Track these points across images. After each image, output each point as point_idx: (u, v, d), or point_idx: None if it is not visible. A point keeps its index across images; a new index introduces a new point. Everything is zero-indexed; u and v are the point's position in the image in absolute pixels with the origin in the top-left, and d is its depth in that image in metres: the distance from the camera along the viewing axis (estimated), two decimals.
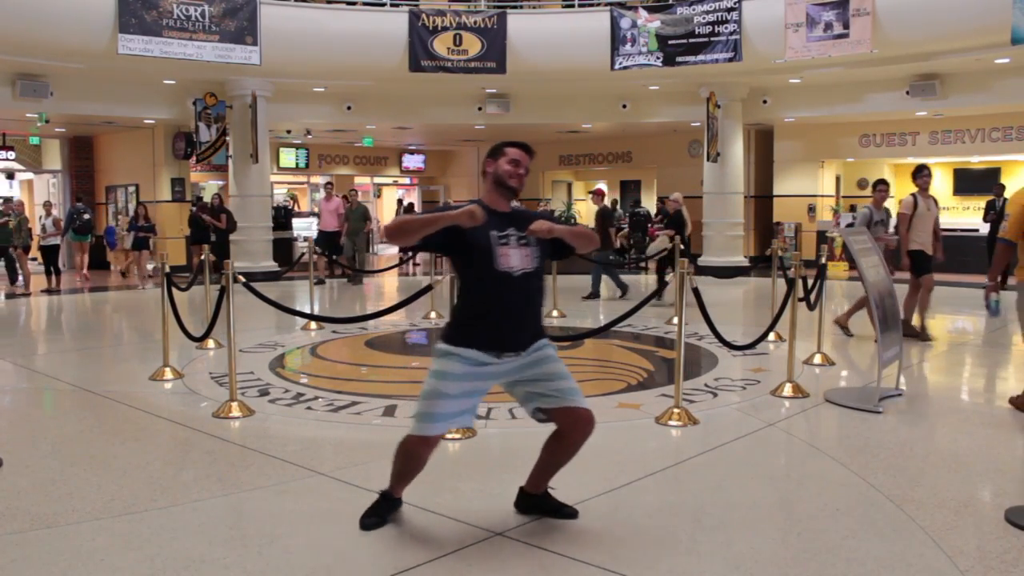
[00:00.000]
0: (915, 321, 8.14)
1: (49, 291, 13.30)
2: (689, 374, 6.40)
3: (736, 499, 3.94)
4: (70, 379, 6.76)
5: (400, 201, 24.60)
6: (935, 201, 8.22)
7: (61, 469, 4.40)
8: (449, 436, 4.86)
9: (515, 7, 14.47)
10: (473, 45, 13.47)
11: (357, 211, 14.36)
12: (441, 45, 13.41)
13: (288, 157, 22.01)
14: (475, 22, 13.49)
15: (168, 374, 6.59)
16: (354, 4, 14.44)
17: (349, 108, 15.62)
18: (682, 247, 10.24)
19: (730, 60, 12.97)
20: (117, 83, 14.10)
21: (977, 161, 16.09)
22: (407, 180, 26.05)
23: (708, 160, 15.22)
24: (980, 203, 15.17)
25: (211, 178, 20.35)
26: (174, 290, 6.74)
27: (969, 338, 8.27)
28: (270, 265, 14.96)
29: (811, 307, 7.11)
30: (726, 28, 12.90)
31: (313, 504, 3.88)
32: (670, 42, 13.33)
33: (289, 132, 19.04)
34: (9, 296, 12.83)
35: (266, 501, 3.94)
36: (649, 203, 20.47)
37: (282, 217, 18.10)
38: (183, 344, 7.31)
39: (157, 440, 5.05)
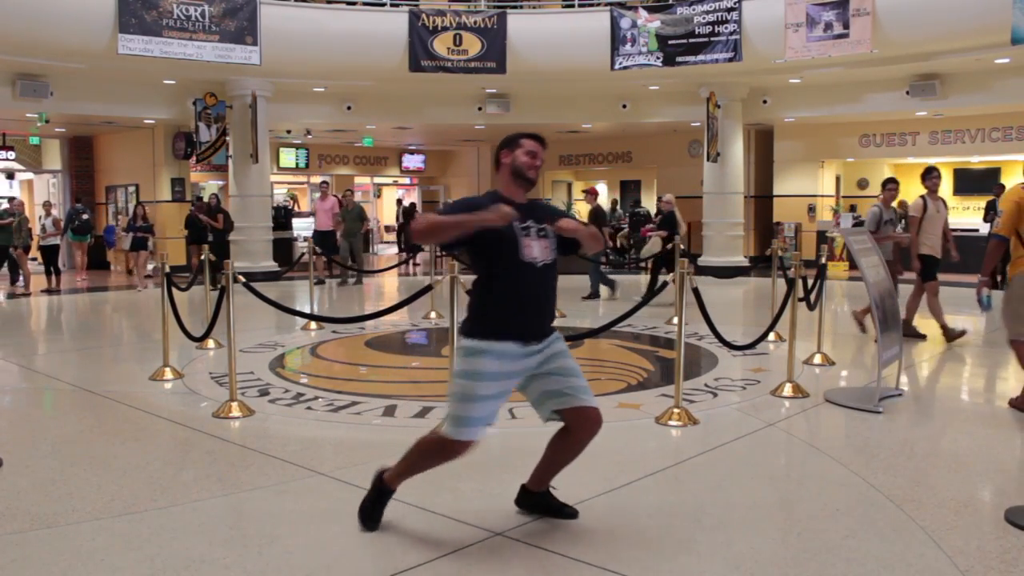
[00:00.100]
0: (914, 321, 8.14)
1: (49, 291, 13.30)
2: (689, 374, 6.40)
3: (736, 499, 3.94)
4: (70, 379, 6.77)
5: (399, 201, 24.59)
6: (944, 203, 8.19)
7: (61, 469, 4.40)
8: None
9: (515, 7, 14.47)
10: (473, 45, 13.47)
11: (353, 212, 14.33)
12: (441, 45, 13.41)
13: (288, 157, 22.01)
14: (475, 22, 13.50)
15: (168, 374, 6.60)
16: (354, 4, 14.45)
17: (349, 108, 15.62)
18: (682, 247, 10.22)
19: (730, 60, 12.97)
20: (117, 83, 14.10)
21: (977, 161, 16.10)
22: (407, 180, 26.06)
23: (708, 160, 15.22)
24: (980, 203, 15.18)
25: (211, 178, 20.35)
26: (174, 290, 6.74)
27: (969, 338, 8.27)
28: (270, 265, 14.97)
29: (811, 307, 7.11)
30: (726, 28, 12.90)
31: (313, 504, 3.88)
32: (670, 42, 13.33)
33: (289, 132, 19.04)
34: (9, 296, 12.83)
35: (266, 501, 3.94)
36: (649, 203, 20.47)
37: (282, 217, 18.10)
38: (183, 344, 7.31)
39: (157, 440, 5.05)
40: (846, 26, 12.03)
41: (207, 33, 12.56)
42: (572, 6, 14.59)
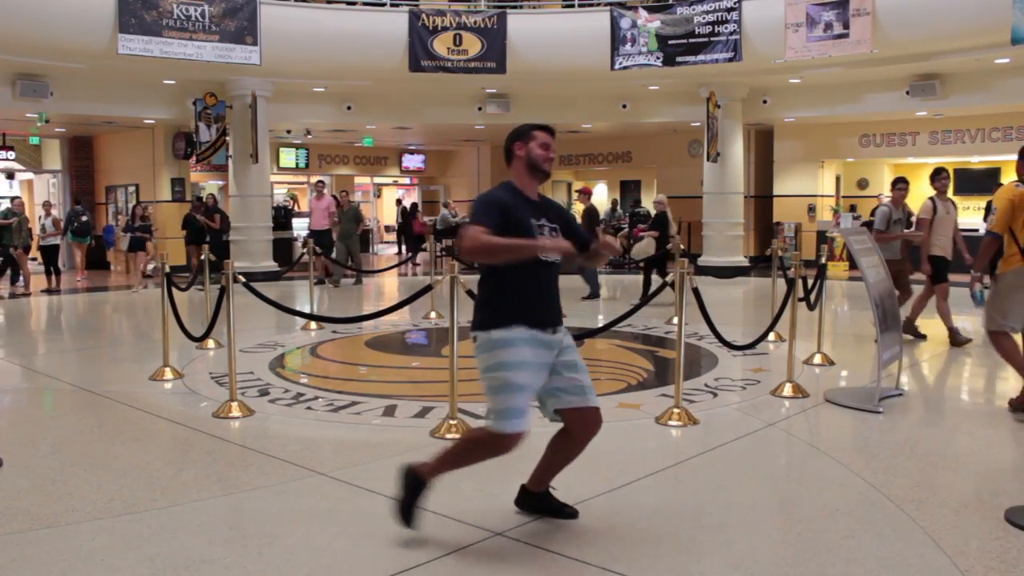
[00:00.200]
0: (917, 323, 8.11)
1: (49, 291, 13.30)
2: (689, 374, 6.40)
3: (736, 499, 3.94)
4: (70, 379, 6.77)
5: (399, 201, 24.59)
6: (954, 204, 8.14)
7: (61, 469, 4.40)
8: (449, 436, 4.86)
9: (515, 7, 14.47)
10: (473, 45, 13.48)
11: (348, 212, 14.29)
12: (441, 45, 13.41)
13: (288, 157, 22.02)
14: (475, 22, 13.50)
15: (168, 374, 6.60)
16: (354, 4, 14.45)
17: (349, 108, 15.62)
18: (682, 247, 10.22)
19: (730, 60, 12.97)
20: (117, 83, 14.10)
21: (977, 161, 16.09)
22: (407, 180, 26.06)
23: (708, 160, 15.22)
24: (980, 203, 15.16)
25: (211, 178, 20.35)
26: (174, 290, 6.74)
27: (969, 338, 8.26)
28: (270, 265, 14.96)
29: (811, 307, 7.11)
30: (726, 28, 12.90)
31: (313, 504, 3.88)
32: (670, 42, 13.33)
33: (289, 132, 19.04)
34: (9, 296, 12.83)
35: (266, 501, 3.94)
36: (649, 203, 20.45)
37: (282, 217, 18.09)
38: (183, 344, 7.31)
39: (157, 440, 5.05)
40: (846, 26, 12.03)
41: (207, 33, 12.56)
42: (572, 6, 14.59)
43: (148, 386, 6.39)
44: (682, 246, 10.20)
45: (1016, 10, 10.52)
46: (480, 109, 15.70)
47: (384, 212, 26.61)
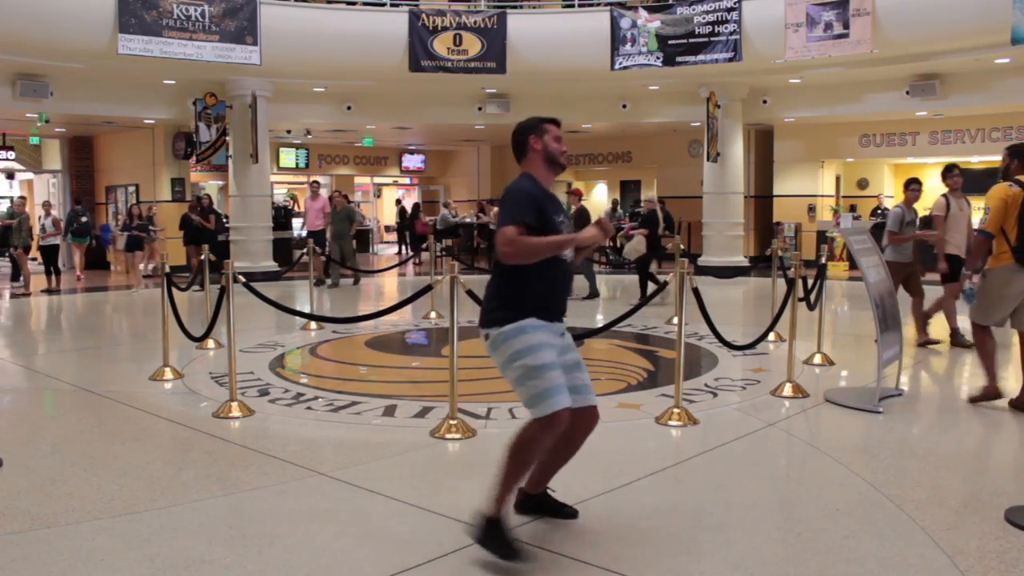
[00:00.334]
0: (919, 330, 8.07)
1: (49, 291, 13.30)
2: (689, 374, 6.39)
3: (736, 499, 3.94)
4: (70, 379, 6.76)
5: (399, 201, 24.58)
6: (967, 201, 8.02)
7: (61, 469, 4.40)
8: (449, 436, 4.87)
9: (515, 7, 14.47)
10: (473, 45, 13.48)
11: (341, 213, 14.24)
12: (441, 45, 13.41)
13: (288, 157, 22.02)
14: (475, 22, 13.50)
15: (168, 374, 6.59)
16: (354, 4, 14.44)
17: (349, 108, 15.62)
18: (682, 247, 10.21)
19: (730, 60, 12.97)
20: (117, 83, 14.10)
21: (977, 161, 16.07)
22: (407, 180, 26.07)
23: (708, 160, 15.22)
24: (980, 203, 15.13)
25: (211, 178, 20.36)
26: (173, 290, 6.74)
27: (970, 342, 8.25)
28: (270, 265, 14.97)
29: (811, 307, 7.11)
30: (726, 28, 12.90)
31: (313, 504, 3.88)
32: (670, 42, 13.33)
33: (289, 132, 19.05)
34: (10, 296, 12.83)
35: (266, 501, 3.94)
36: None
37: (282, 217, 18.09)
38: (183, 344, 7.31)
39: (157, 440, 5.05)
40: (846, 26, 12.03)
41: (207, 33, 12.56)
42: (572, 6, 14.59)
43: (148, 386, 6.39)
44: (682, 246, 10.19)
45: (1016, 10, 10.52)
46: (480, 109, 15.70)
47: (384, 212, 26.62)
